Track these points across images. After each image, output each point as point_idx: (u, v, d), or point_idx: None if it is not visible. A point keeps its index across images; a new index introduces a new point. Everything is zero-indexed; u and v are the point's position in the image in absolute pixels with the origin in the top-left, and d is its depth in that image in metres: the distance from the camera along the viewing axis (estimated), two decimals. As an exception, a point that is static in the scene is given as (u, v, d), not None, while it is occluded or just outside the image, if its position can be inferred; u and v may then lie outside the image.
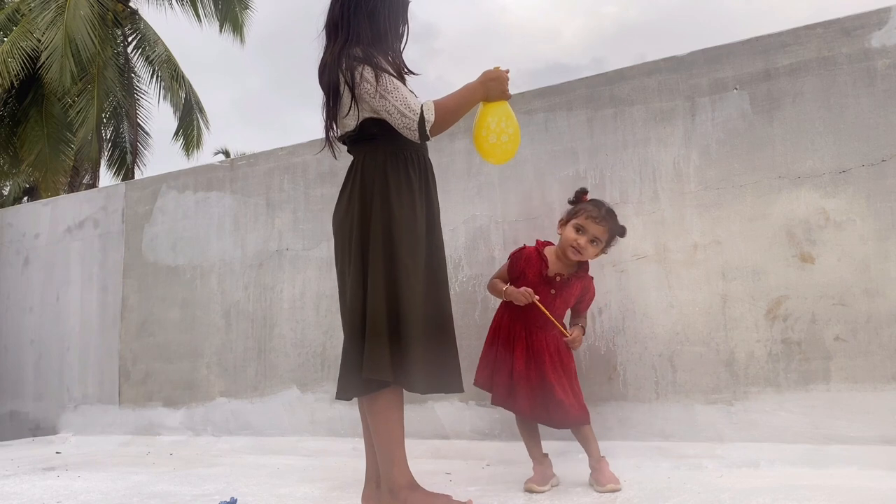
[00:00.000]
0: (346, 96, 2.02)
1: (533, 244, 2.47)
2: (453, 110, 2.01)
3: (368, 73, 1.96)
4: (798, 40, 2.51)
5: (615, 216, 2.36)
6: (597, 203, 2.37)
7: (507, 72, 2.08)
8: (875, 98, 2.37)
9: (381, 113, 1.98)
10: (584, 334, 2.39)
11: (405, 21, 2.15)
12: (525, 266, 2.37)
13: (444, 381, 2.05)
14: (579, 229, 2.30)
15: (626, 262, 2.67)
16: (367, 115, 2.02)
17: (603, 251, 2.36)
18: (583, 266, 2.39)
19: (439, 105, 1.98)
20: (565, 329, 2.34)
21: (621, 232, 2.37)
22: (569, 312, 2.46)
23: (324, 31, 2.14)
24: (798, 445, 2.32)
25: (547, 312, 2.27)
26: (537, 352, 2.29)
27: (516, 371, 2.29)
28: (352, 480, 2.43)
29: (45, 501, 2.40)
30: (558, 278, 2.33)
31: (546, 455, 2.34)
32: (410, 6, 2.17)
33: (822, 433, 2.31)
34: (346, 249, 2.06)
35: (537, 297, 2.25)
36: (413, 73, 2.14)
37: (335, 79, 2.03)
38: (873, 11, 2.41)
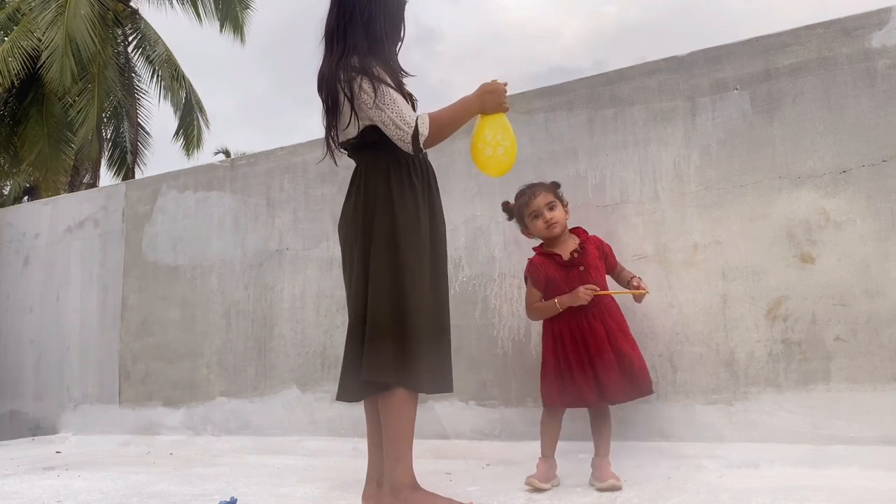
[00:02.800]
0: (345, 108, 2.04)
1: (530, 252, 2.50)
2: (448, 123, 2.03)
3: (367, 84, 1.98)
4: (798, 40, 2.51)
5: (535, 182, 2.50)
6: (518, 193, 2.50)
7: (506, 85, 2.09)
8: (875, 98, 2.37)
9: (377, 123, 2.00)
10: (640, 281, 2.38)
11: (402, 21, 2.16)
12: (545, 270, 2.39)
13: (443, 381, 2.06)
14: (535, 215, 2.40)
15: (627, 262, 2.66)
16: (366, 123, 2.04)
17: (564, 207, 2.44)
18: (575, 233, 2.46)
19: (434, 118, 1.99)
20: (631, 290, 2.35)
21: (555, 184, 2.49)
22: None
23: (323, 40, 2.14)
24: (798, 446, 2.32)
25: (611, 293, 2.35)
26: (604, 335, 2.29)
27: (598, 366, 2.26)
28: (352, 480, 2.43)
29: (45, 501, 2.40)
30: (575, 254, 2.36)
31: (553, 456, 2.34)
32: (408, 6, 2.17)
33: (822, 433, 2.31)
34: (352, 256, 2.08)
35: (593, 287, 2.28)
36: (409, 75, 2.15)
37: (334, 91, 2.05)
38: (873, 11, 2.41)
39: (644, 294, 2.33)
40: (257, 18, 14.93)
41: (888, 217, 2.31)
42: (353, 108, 2.02)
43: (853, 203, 2.36)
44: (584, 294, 2.26)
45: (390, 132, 1.98)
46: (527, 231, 2.48)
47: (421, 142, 1.97)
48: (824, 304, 2.36)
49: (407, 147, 1.98)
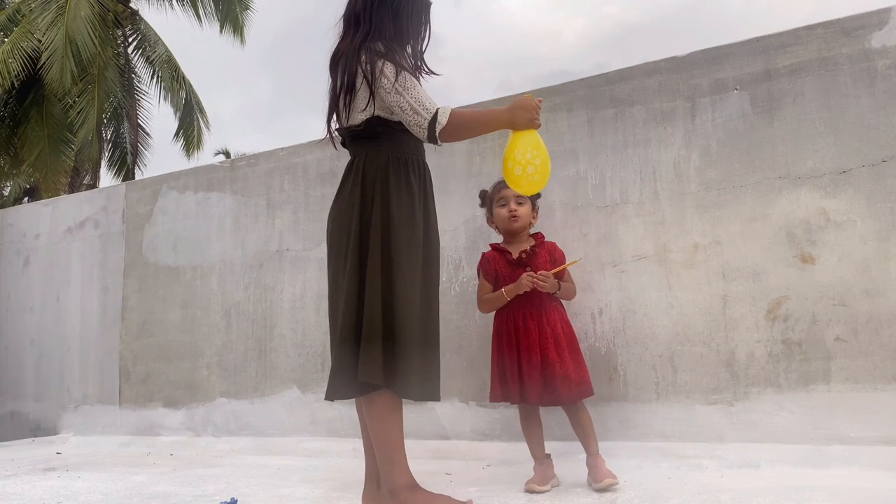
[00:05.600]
0: (363, 90, 2.00)
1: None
2: (469, 124, 1.98)
3: (389, 68, 1.95)
4: (798, 40, 2.51)
5: None
6: (496, 182, 2.51)
7: (540, 101, 1.99)
8: (875, 98, 2.37)
9: (394, 108, 1.96)
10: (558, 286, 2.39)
11: (427, 21, 2.14)
12: (494, 266, 2.45)
13: (428, 388, 2.00)
14: (502, 203, 2.45)
15: (627, 263, 2.67)
16: (380, 111, 2.00)
17: (534, 210, 2.49)
18: (536, 238, 2.49)
19: (456, 113, 1.94)
20: (565, 264, 2.42)
21: None
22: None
23: (341, 21, 2.12)
24: (799, 446, 2.32)
25: (550, 272, 2.33)
26: (536, 337, 2.31)
27: (524, 365, 2.30)
28: (352, 480, 2.43)
29: (45, 502, 2.40)
30: (524, 255, 2.41)
31: (548, 455, 2.34)
32: (433, 9, 2.15)
33: (822, 434, 2.31)
34: (341, 251, 2.03)
35: (533, 273, 2.32)
36: (434, 74, 2.14)
37: (353, 71, 2.00)
38: (873, 12, 2.41)
39: (576, 262, 2.46)
40: (259, 23, 14.96)
41: (888, 217, 2.31)
42: (371, 91, 1.97)
43: (853, 203, 2.36)
44: (526, 281, 2.30)
45: (407, 117, 1.94)
46: (491, 219, 2.53)
47: (437, 130, 1.92)
48: (824, 304, 2.36)
49: (422, 133, 1.94)
